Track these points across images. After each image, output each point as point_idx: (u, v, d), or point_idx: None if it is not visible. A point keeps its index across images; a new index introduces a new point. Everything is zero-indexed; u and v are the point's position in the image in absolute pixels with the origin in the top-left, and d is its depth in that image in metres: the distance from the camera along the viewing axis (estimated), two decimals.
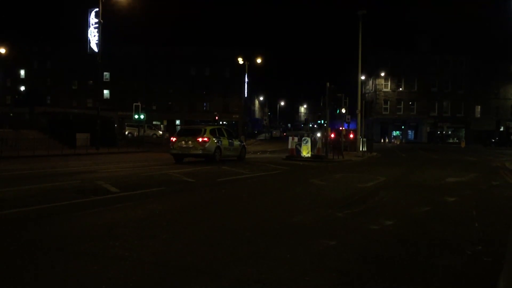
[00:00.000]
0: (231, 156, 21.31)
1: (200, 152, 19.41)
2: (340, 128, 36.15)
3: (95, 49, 33.19)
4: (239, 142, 22.42)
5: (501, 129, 64.99)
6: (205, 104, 77.53)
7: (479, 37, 65.63)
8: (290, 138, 26.44)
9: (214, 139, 19.77)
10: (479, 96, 71.64)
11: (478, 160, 27.60)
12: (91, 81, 71.14)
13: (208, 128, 20.30)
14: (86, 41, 33.62)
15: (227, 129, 23.20)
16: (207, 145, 19.36)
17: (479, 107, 73.33)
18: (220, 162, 19.72)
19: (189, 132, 20.53)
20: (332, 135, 28.80)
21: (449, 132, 74.56)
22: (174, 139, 20.14)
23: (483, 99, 72.09)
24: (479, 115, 73.14)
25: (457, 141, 69.88)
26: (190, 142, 19.48)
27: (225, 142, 20.61)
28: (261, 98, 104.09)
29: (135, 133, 45.40)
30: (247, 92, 70.53)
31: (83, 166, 17.56)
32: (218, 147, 19.85)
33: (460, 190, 11.91)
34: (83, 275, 4.35)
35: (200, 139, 19.35)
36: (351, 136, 27.54)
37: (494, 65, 69.48)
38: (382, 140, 68.68)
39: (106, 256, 5.00)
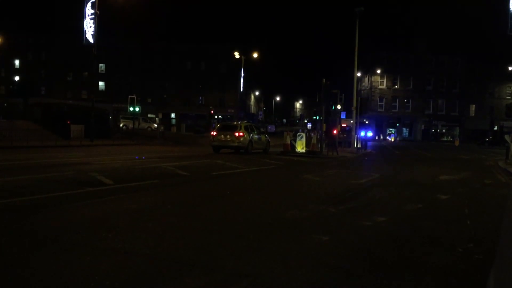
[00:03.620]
0: (259, 148, 24.27)
1: (236, 144, 22.61)
2: (344, 125, 36.17)
3: (91, 40, 32.95)
4: (265, 137, 25.48)
5: (495, 128, 65.30)
6: (200, 98, 77.33)
7: (475, 38, 65.83)
8: (285, 133, 26.46)
9: (247, 134, 23.06)
10: (474, 95, 71.92)
11: (471, 159, 27.76)
12: (86, 73, 70.75)
13: (243, 125, 23.77)
14: (82, 32, 33.37)
15: (256, 125, 27.56)
16: (242, 139, 22.60)
17: (474, 106, 73.62)
18: (251, 153, 22.70)
19: (227, 127, 23.76)
20: (335, 131, 28.92)
21: (443, 131, 74.84)
22: (214, 133, 23.57)
23: (478, 99, 72.38)
24: (473, 114, 73.45)
25: (451, 139, 70.18)
26: (228, 136, 22.73)
27: (255, 136, 23.95)
28: (257, 93, 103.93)
29: (130, 126, 45.23)
30: (243, 87, 70.47)
31: (77, 157, 17.49)
32: (250, 141, 23.12)
33: (453, 188, 11.98)
34: (76, 266, 4.34)
35: (237, 134, 22.59)
36: (335, 132, 27.73)
37: (489, 65, 69.72)
38: (376, 137, 68.86)
39: (99, 247, 4.99)
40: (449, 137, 72.92)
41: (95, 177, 11.02)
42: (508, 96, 71.88)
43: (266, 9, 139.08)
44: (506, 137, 22.72)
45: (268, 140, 25.83)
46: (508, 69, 63.86)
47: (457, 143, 59.00)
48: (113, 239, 5.32)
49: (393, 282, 4.26)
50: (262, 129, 29.62)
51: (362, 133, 57.87)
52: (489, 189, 12.49)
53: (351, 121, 58.68)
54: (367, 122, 64.91)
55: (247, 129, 23.43)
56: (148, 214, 6.98)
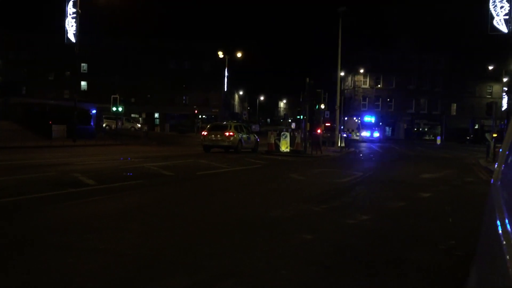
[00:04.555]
0: (248, 147, 24.69)
1: (227, 144, 23.21)
2: (327, 124, 36.31)
3: (73, 39, 32.56)
4: (254, 136, 26.16)
5: (476, 127, 66.28)
6: (184, 98, 76.92)
7: (457, 37, 66.58)
8: (269, 133, 26.54)
9: (237, 133, 23.63)
10: (455, 94, 72.85)
11: (452, 157, 28.14)
12: (68, 72, 69.85)
13: (233, 124, 24.74)
14: (63, 31, 32.95)
15: (245, 125, 28.60)
16: (232, 138, 23.17)
17: (455, 105, 74.59)
18: (241, 152, 23.11)
19: (218, 127, 24.60)
20: (319, 131, 29.12)
21: (426, 129, 75.68)
22: (205, 133, 24.03)
23: (459, 97, 73.34)
24: (454, 113, 74.41)
25: (433, 138, 70.92)
26: (219, 136, 23.35)
27: (245, 136, 24.54)
28: (241, 93, 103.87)
29: (113, 126, 44.79)
30: (227, 86, 70.28)
31: (59, 158, 17.28)
32: (240, 140, 23.67)
33: (435, 186, 12.13)
34: (58, 267, 4.29)
35: (227, 134, 23.20)
36: (318, 131, 27.93)
37: (470, 64, 70.69)
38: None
39: (82, 248, 4.94)
40: (431, 135, 73.70)
41: (78, 177, 10.90)
42: (488, 95, 72.93)
43: (250, 9, 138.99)
44: (487, 135, 23.10)
45: (257, 139, 26.35)
46: (488, 68, 64.87)
47: (439, 141, 59.70)
48: (96, 240, 5.27)
49: (377, 279, 4.31)
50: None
51: (368, 133, 55.28)
52: (470, 187, 12.68)
53: (356, 120, 58.37)
54: (373, 121, 62.42)
55: (237, 129, 24.15)
56: (132, 214, 6.94)
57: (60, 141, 27.34)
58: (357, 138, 55.54)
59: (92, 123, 37.41)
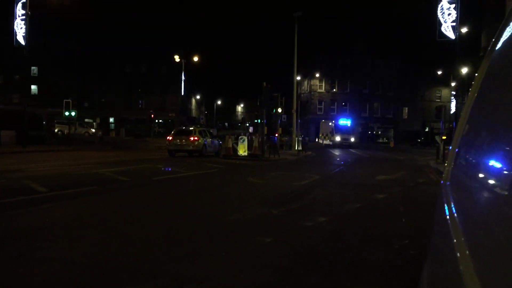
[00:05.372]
0: (211, 152, 25.52)
1: (191, 148, 23.85)
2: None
3: (22, 42, 31.41)
4: (217, 141, 27.18)
5: (426, 129, 68.68)
6: (140, 102, 75.61)
7: (408, 43, 68.84)
8: (227, 137, 26.55)
9: (202, 138, 24.37)
10: (407, 98, 75.29)
11: (405, 159, 29.01)
12: (18, 76, 67.35)
13: (197, 130, 25.42)
14: (12, 33, 31.74)
15: (209, 130, 29.83)
16: (196, 143, 23.88)
17: (407, 108, 77.03)
18: (205, 156, 23.80)
19: (182, 132, 24.98)
20: (276, 134, 29.50)
21: (379, 132, 77.73)
22: (170, 138, 24.51)
23: (410, 101, 75.83)
24: (406, 117, 76.84)
25: (386, 141, 72.95)
26: (183, 140, 23.88)
27: (208, 140, 25.40)
28: (198, 97, 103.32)
29: (66, 131, 43.50)
30: (184, 91, 69.72)
31: (8, 164, 16.58)
32: (204, 145, 24.41)
33: (389, 188, 12.47)
34: (7, 279, 4.11)
35: (192, 138, 23.84)
36: (276, 135, 28.34)
37: (420, 70, 73.26)
38: (316, 140, 70.32)
39: (34, 258, 4.76)
40: (385, 138, 75.77)
41: (28, 184, 10.49)
42: (437, 99, 75.82)
43: (207, 12, 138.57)
44: (437, 137, 24.02)
45: (220, 143, 26.99)
46: (437, 73, 67.46)
47: (392, 144, 61.39)
48: (49, 249, 5.09)
49: (334, 279, 4.38)
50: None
51: (338, 138, 52.06)
52: (422, 188, 13.11)
53: (329, 123, 57.86)
54: (348, 124, 58.67)
55: (201, 134, 24.92)
56: (86, 221, 6.75)
57: (9, 147, 26.28)
58: (330, 143, 51.63)
59: (43, 128, 36.16)
